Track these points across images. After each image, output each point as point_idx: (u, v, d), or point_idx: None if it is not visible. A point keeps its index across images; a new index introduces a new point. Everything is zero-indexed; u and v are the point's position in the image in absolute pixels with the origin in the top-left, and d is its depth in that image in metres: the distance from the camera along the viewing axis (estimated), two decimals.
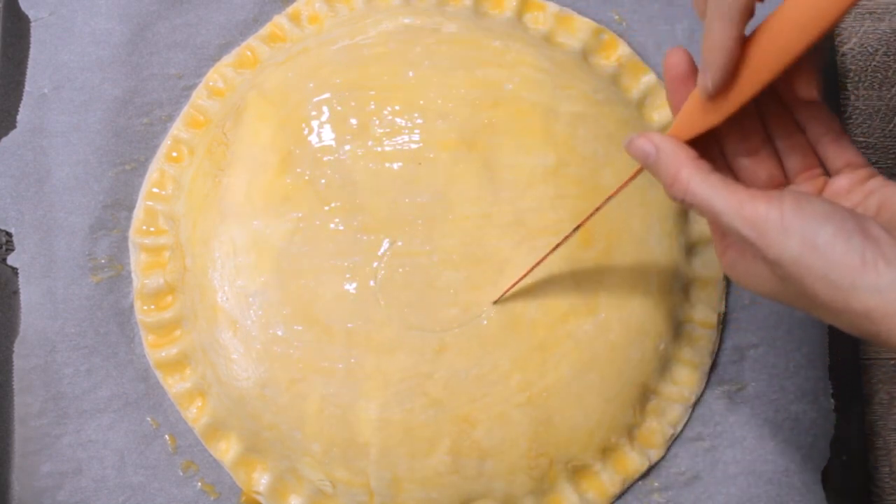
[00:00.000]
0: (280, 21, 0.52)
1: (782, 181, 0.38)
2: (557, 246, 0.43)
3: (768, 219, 0.32)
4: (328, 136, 0.46)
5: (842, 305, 0.31)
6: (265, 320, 0.45)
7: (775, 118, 0.38)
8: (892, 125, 0.54)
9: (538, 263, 0.44)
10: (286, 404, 0.45)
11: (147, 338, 0.49)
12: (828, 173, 0.38)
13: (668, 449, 0.49)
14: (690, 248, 0.50)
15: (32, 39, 0.52)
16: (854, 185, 0.36)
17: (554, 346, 0.45)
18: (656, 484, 0.48)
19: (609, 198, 0.40)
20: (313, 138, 0.46)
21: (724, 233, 0.37)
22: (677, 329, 0.49)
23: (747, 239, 0.33)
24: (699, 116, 0.35)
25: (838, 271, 0.31)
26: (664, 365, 0.48)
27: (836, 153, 0.37)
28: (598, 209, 0.41)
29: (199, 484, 0.48)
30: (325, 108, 0.47)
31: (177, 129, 0.51)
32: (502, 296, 0.44)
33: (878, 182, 0.36)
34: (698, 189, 0.34)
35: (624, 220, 0.47)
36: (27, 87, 0.51)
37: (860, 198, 0.36)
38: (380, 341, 0.44)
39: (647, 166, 0.36)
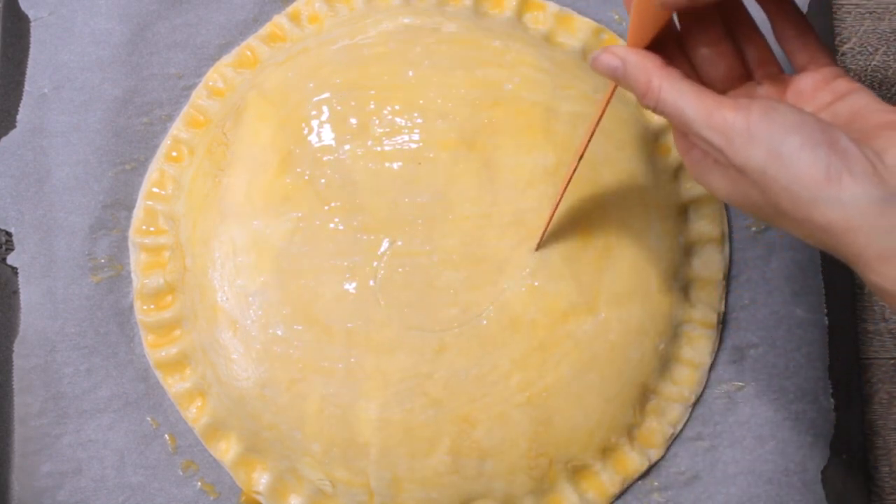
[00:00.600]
0: (280, 21, 0.52)
1: (743, 74, 0.37)
2: (571, 178, 0.43)
3: (735, 126, 0.31)
4: (328, 135, 0.46)
5: (803, 216, 0.31)
6: (265, 320, 0.45)
7: (733, 11, 0.37)
8: None
9: (561, 197, 0.43)
10: (286, 404, 0.45)
11: (147, 338, 0.49)
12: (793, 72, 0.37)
13: (668, 449, 0.49)
14: (690, 248, 0.50)
15: (32, 39, 0.52)
16: (818, 84, 0.35)
17: (554, 346, 0.45)
18: (656, 484, 0.48)
19: (596, 123, 0.40)
20: (313, 138, 0.46)
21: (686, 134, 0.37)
22: (677, 329, 0.49)
23: (714, 145, 0.32)
24: (649, 17, 0.35)
25: (802, 182, 0.30)
26: (664, 365, 0.48)
27: (800, 48, 0.36)
28: (590, 137, 0.40)
29: (199, 484, 0.48)
30: (325, 108, 0.47)
31: (177, 128, 0.51)
32: (540, 242, 0.45)
33: (845, 84, 0.35)
34: (668, 97, 0.33)
35: (623, 220, 0.47)
36: (27, 87, 0.51)
37: (827, 99, 0.35)
38: (380, 341, 0.44)
39: (617, 81, 0.36)
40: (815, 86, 0.36)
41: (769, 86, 0.37)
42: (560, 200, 0.44)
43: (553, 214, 0.44)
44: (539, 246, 0.45)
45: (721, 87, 0.37)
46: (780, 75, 0.37)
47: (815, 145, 0.30)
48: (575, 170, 0.42)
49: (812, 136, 0.31)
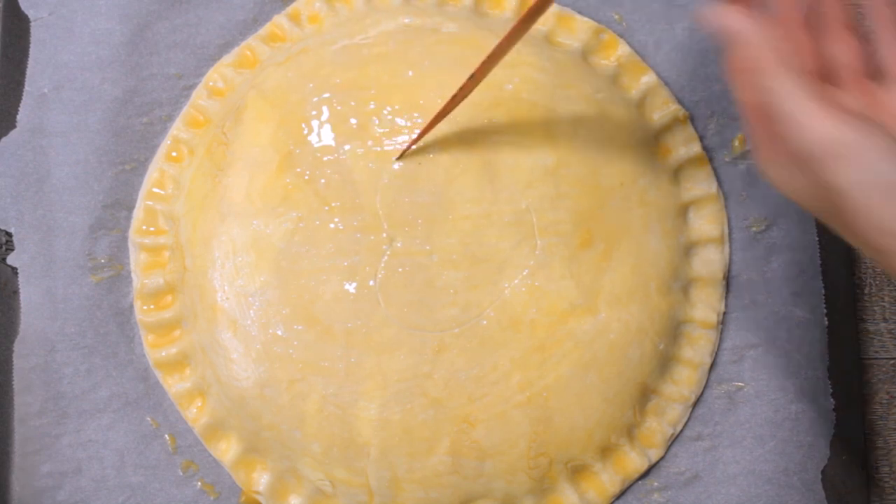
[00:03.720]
0: (280, 21, 0.52)
1: (824, 76, 0.34)
2: (459, 97, 0.42)
3: (844, 145, 0.30)
4: (328, 135, 0.46)
5: (883, 247, 0.30)
6: (265, 320, 0.45)
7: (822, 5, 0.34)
8: None
9: (442, 114, 0.43)
10: (286, 404, 0.45)
11: (147, 337, 0.49)
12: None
13: (668, 449, 0.49)
14: (690, 248, 0.50)
15: (32, 39, 0.52)
16: None
17: (554, 346, 0.45)
18: (656, 484, 0.48)
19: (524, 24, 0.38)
20: (313, 138, 0.46)
21: (769, 133, 0.34)
22: (677, 329, 0.49)
23: (812, 156, 0.31)
24: None
25: (883, 216, 0.29)
26: (664, 365, 0.48)
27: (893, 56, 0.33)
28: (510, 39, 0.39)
29: (199, 484, 0.48)
30: (324, 108, 0.47)
31: (177, 128, 0.51)
32: (405, 151, 0.45)
33: None
34: (785, 84, 0.31)
35: (623, 221, 0.47)
36: (27, 87, 0.51)
37: None
38: (379, 341, 0.44)
39: (728, 42, 0.33)
40: None
41: (854, 92, 0.34)
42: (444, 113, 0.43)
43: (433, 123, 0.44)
44: (401, 156, 0.45)
45: None
46: (867, 83, 0.34)
47: None
48: (468, 89, 0.41)
49: None
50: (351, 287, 0.45)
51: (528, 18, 0.36)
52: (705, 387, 0.49)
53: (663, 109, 0.51)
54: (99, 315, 0.49)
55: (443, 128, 0.46)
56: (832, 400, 0.49)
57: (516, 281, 0.45)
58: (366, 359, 0.44)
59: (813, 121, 0.30)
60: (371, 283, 0.45)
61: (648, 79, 0.52)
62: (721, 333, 0.50)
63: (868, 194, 0.30)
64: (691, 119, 0.52)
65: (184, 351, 0.48)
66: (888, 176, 0.30)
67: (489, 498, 0.46)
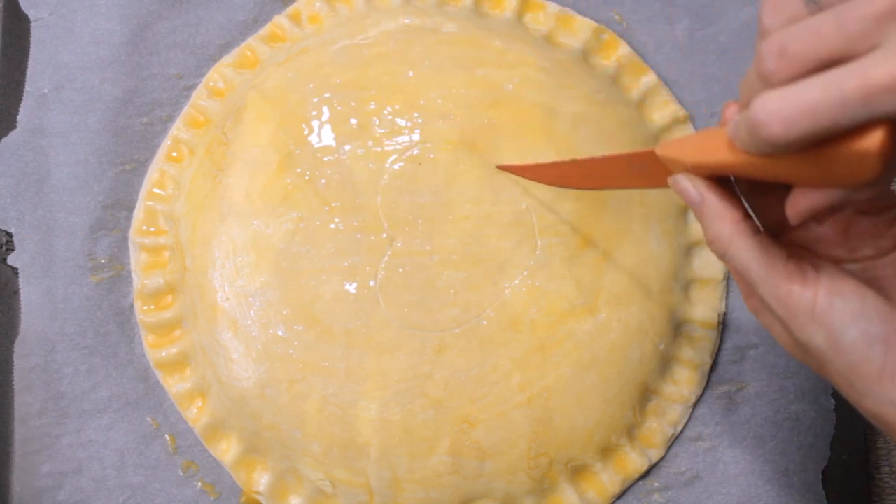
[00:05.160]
0: (280, 21, 0.52)
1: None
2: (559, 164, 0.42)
3: (800, 305, 0.31)
4: (328, 135, 0.46)
5: (855, 400, 0.31)
6: (265, 320, 0.45)
7: None
8: None
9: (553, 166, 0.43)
10: (286, 404, 0.45)
11: (147, 338, 0.49)
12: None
13: (669, 449, 0.49)
14: (690, 248, 0.50)
15: (32, 39, 0.52)
16: (881, 228, 0.33)
17: (554, 346, 0.45)
18: (656, 484, 0.48)
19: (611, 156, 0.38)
20: (313, 138, 0.46)
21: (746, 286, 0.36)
22: (677, 329, 0.49)
23: (777, 314, 0.32)
24: (724, 155, 0.31)
25: (856, 374, 0.30)
26: (664, 365, 0.48)
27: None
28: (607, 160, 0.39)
29: (199, 484, 0.48)
30: (325, 108, 0.47)
31: (177, 129, 0.51)
32: (506, 168, 0.45)
33: None
34: (739, 254, 0.32)
35: (624, 221, 0.47)
36: (27, 87, 0.51)
37: (888, 245, 0.33)
38: (380, 341, 0.44)
39: (691, 208, 0.34)
40: (876, 231, 0.33)
41: (829, 226, 0.34)
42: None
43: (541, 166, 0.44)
44: (501, 167, 0.45)
45: (774, 230, 0.35)
46: (840, 213, 0.35)
47: (873, 340, 0.30)
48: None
49: (870, 330, 0.30)
50: (351, 287, 0.45)
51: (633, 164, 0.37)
52: (705, 387, 0.49)
53: (663, 110, 0.51)
54: (99, 315, 0.49)
55: (443, 128, 0.46)
56: (832, 400, 0.49)
57: (516, 281, 0.45)
58: (366, 359, 0.44)
59: (779, 288, 0.31)
60: (371, 283, 0.45)
61: (648, 79, 0.52)
62: (721, 333, 0.50)
63: (832, 353, 0.31)
64: (691, 119, 0.52)
65: (184, 351, 0.48)
66: (842, 338, 0.30)
67: (489, 498, 0.46)
